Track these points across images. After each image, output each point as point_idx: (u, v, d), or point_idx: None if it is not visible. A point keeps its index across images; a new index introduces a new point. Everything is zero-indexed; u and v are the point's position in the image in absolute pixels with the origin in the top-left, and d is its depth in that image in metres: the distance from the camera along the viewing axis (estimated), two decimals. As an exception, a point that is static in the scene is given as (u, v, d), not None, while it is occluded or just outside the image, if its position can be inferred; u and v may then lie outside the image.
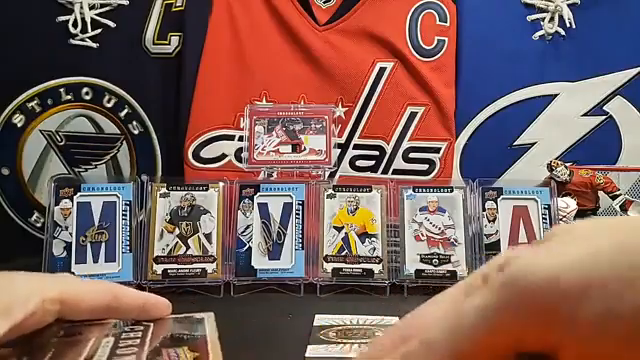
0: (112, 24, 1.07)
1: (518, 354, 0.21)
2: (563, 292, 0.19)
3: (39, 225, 1.08)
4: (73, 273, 0.83)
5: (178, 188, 0.90)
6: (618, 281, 0.18)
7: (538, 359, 0.20)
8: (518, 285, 0.20)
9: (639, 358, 0.18)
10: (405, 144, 1.09)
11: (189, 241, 0.88)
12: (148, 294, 0.40)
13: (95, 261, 0.86)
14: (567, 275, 0.19)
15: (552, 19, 1.11)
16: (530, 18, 1.12)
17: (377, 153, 1.10)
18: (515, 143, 1.13)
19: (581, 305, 0.18)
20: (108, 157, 1.10)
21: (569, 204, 0.95)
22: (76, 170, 1.09)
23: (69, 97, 1.08)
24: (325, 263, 0.87)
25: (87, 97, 1.08)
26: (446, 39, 1.10)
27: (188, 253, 0.87)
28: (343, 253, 0.88)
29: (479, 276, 0.24)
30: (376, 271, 0.87)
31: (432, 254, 0.88)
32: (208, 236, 0.88)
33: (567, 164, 1.01)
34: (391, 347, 0.24)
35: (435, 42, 1.10)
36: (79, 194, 0.88)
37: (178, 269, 0.86)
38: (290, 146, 0.95)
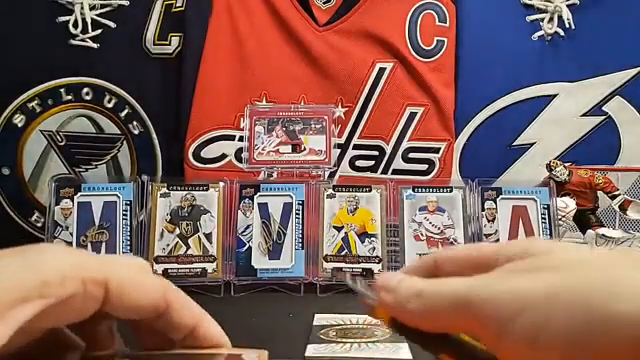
0: (112, 24, 1.07)
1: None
2: (500, 315, 0.24)
3: (39, 225, 1.08)
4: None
5: (178, 188, 0.90)
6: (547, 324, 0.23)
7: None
8: (471, 298, 0.25)
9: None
10: (405, 144, 1.09)
11: (189, 241, 0.88)
12: (203, 313, 0.32)
13: (96, 261, 0.86)
14: (506, 305, 0.24)
15: (551, 19, 1.11)
16: (529, 19, 1.12)
17: (377, 153, 1.10)
18: (514, 143, 1.13)
19: (512, 324, 0.24)
20: (108, 157, 1.10)
21: (568, 204, 0.95)
22: (76, 170, 1.10)
23: (69, 97, 1.08)
24: (325, 263, 0.87)
25: (87, 97, 1.08)
26: (445, 39, 1.11)
27: (188, 253, 0.87)
28: (343, 253, 0.88)
29: (474, 264, 0.30)
30: (376, 271, 0.87)
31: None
32: (208, 236, 0.88)
33: (566, 164, 1.01)
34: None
35: (435, 42, 1.10)
36: (79, 194, 0.88)
37: (178, 269, 0.86)
38: (290, 146, 0.95)
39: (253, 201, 0.90)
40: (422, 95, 1.10)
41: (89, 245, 0.86)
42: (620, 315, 0.21)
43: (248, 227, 0.89)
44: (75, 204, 0.88)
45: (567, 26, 1.11)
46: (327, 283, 0.87)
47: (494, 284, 0.26)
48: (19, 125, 1.07)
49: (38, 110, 1.07)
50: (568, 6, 1.11)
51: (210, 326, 0.32)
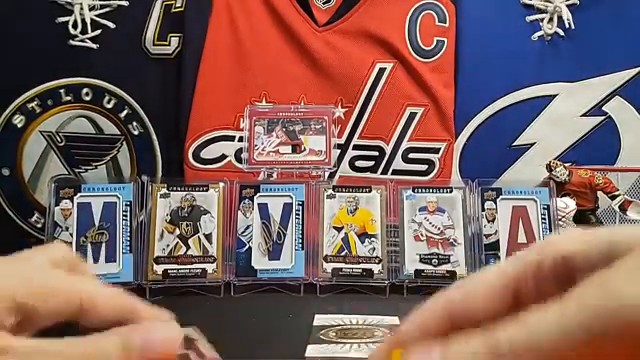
0: (112, 25, 1.07)
1: None
2: None
3: (39, 226, 1.08)
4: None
5: (178, 189, 0.90)
6: None
7: None
8: (615, 317, 0.19)
9: None
10: (404, 144, 1.09)
11: (189, 241, 0.88)
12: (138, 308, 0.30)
13: (95, 261, 0.86)
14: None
15: (551, 20, 1.11)
16: (529, 19, 1.12)
17: (377, 153, 1.10)
18: (514, 143, 1.13)
19: None
20: (108, 158, 1.10)
21: (568, 204, 0.95)
22: (76, 171, 1.09)
23: (69, 98, 1.08)
24: (325, 263, 0.87)
25: (87, 98, 1.08)
26: (445, 40, 1.11)
27: (188, 253, 0.87)
28: (343, 253, 0.88)
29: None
30: (376, 271, 0.87)
31: (431, 254, 0.88)
32: (208, 236, 0.88)
33: (566, 164, 1.01)
34: None
35: (434, 43, 1.10)
36: (79, 194, 0.88)
37: (178, 269, 0.86)
38: (290, 147, 0.95)
39: (253, 201, 0.90)
40: (422, 95, 1.10)
41: (89, 246, 0.86)
42: None
43: (248, 227, 0.89)
44: (75, 205, 0.88)
45: (567, 26, 1.11)
46: (327, 283, 0.87)
47: (634, 289, 0.19)
48: (19, 126, 1.07)
49: (38, 111, 1.07)
50: (568, 6, 1.11)
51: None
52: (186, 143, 1.07)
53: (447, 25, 1.11)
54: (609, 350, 0.19)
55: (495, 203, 0.90)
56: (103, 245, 0.87)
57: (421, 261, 0.87)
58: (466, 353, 0.20)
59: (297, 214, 0.89)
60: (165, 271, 0.86)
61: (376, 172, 1.10)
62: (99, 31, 1.07)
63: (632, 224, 1.06)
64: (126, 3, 1.07)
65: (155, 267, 0.86)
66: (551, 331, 0.19)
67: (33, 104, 1.07)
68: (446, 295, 0.24)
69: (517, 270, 0.24)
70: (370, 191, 0.91)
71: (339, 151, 1.09)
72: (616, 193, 1.01)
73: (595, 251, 0.22)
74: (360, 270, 0.87)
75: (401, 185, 0.92)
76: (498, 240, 0.89)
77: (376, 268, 0.87)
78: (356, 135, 1.10)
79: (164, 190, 0.90)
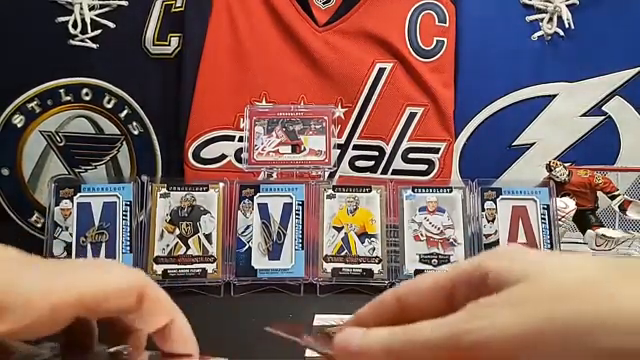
0: (112, 25, 1.07)
1: None
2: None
3: (39, 225, 1.08)
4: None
5: (178, 188, 0.90)
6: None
7: None
8: (459, 343, 0.24)
9: None
10: (404, 144, 1.09)
11: (189, 241, 0.88)
12: (177, 314, 0.33)
13: (95, 261, 0.86)
14: (499, 344, 0.23)
15: (551, 19, 1.11)
16: (529, 19, 1.12)
17: (376, 153, 1.10)
18: (514, 143, 1.13)
19: None
20: (108, 158, 1.10)
21: (568, 204, 0.95)
22: (76, 171, 1.09)
23: (69, 98, 1.08)
24: (325, 263, 0.87)
25: (87, 98, 1.08)
26: (445, 40, 1.11)
27: (188, 253, 0.87)
28: (343, 253, 0.88)
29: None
30: (376, 271, 0.87)
31: (431, 254, 0.88)
32: (208, 236, 0.88)
33: (566, 164, 1.01)
34: None
35: (434, 43, 1.10)
36: (79, 194, 0.88)
37: (178, 269, 0.86)
38: (290, 147, 0.95)
39: (253, 201, 0.90)
40: (422, 95, 1.10)
41: (89, 246, 0.86)
42: (615, 351, 0.22)
43: (248, 227, 0.89)
44: (75, 205, 0.88)
45: (567, 26, 1.11)
46: (327, 283, 0.87)
47: (480, 325, 0.24)
48: (18, 126, 1.07)
49: (37, 111, 1.07)
50: (568, 6, 1.11)
51: (182, 329, 0.33)
52: (186, 143, 1.07)
53: (447, 25, 1.11)
54: None
55: (495, 203, 0.90)
56: (103, 245, 0.87)
57: (421, 261, 0.87)
58: (377, 337, 0.26)
59: (297, 214, 0.89)
60: (165, 271, 0.86)
61: (376, 172, 1.10)
62: (99, 31, 1.07)
63: (632, 223, 1.06)
64: (126, 3, 1.07)
65: (155, 267, 0.86)
66: (423, 340, 0.25)
67: (33, 104, 1.07)
68: (396, 289, 0.30)
69: (454, 276, 0.28)
70: (370, 191, 0.91)
71: (339, 151, 1.09)
72: (616, 193, 1.01)
73: (505, 274, 0.26)
74: (360, 270, 0.87)
75: (401, 185, 0.92)
76: (498, 240, 0.89)
77: (376, 268, 0.87)
78: (356, 135, 1.10)
79: (164, 190, 0.90)
